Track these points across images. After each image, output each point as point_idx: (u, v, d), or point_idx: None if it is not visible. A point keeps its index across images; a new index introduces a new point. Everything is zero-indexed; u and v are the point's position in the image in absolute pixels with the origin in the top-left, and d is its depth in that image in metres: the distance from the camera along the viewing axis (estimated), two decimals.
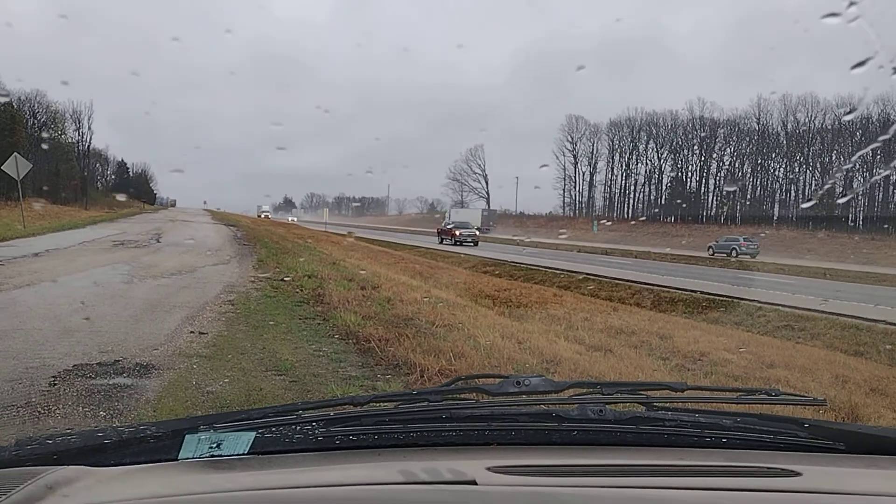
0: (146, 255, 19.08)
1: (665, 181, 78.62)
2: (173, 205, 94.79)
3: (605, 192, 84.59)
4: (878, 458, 1.54)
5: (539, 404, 1.64)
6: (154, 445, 1.45)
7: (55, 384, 5.89)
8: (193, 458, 1.40)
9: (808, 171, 67.48)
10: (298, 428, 1.48)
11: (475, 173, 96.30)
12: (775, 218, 65.00)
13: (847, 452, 1.56)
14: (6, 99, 49.26)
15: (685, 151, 76.30)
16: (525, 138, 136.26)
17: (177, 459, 1.40)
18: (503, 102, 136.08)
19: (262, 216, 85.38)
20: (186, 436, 1.44)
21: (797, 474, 1.37)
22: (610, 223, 72.46)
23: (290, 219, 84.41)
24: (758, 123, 70.92)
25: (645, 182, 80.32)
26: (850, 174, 61.49)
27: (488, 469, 1.32)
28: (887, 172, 58.02)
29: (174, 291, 11.97)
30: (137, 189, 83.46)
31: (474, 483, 1.26)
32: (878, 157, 57.58)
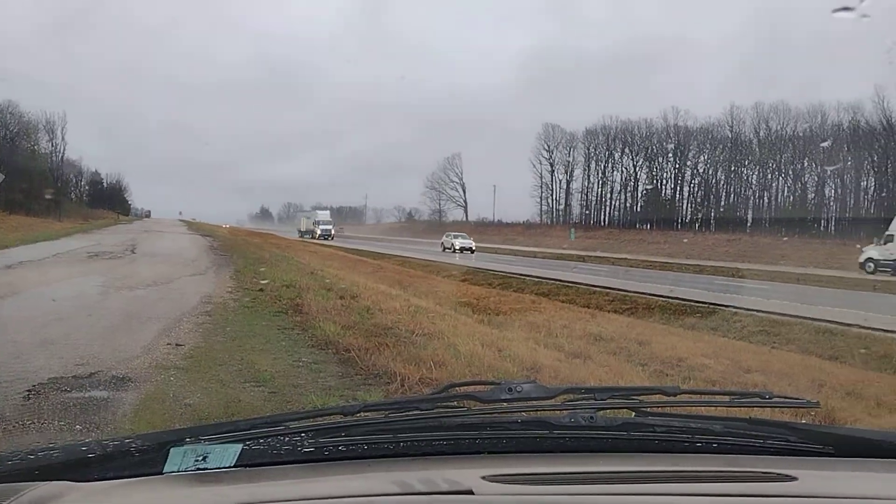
0: (122, 266, 18.85)
1: (640, 189, 79.19)
2: (148, 216, 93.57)
3: (581, 200, 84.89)
4: (870, 461, 1.55)
5: (531, 411, 1.62)
6: (138, 459, 1.41)
7: (30, 398, 5.78)
8: (179, 471, 1.37)
9: (780, 178, 68.33)
10: (286, 439, 1.44)
11: (453, 182, 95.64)
12: (749, 224, 65.62)
13: (837, 456, 1.56)
14: None
15: (660, 159, 76.74)
16: (503, 147, 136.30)
17: (162, 473, 1.37)
18: (482, 112, 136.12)
19: (319, 235, 57.05)
20: (171, 449, 1.40)
21: (793, 479, 1.37)
22: (576, 230, 72.17)
23: (458, 245, 46.54)
24: (730, 131, 71.68)
25: (621, 190, 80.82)
26: (822, 179, 62.42)
27: (483, 478, 1.31)
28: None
29: (150, 303, 11.83)
30: (112, 200, 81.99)
31: (471, 493, 1.25)
32: (849, 161, 58.78)
